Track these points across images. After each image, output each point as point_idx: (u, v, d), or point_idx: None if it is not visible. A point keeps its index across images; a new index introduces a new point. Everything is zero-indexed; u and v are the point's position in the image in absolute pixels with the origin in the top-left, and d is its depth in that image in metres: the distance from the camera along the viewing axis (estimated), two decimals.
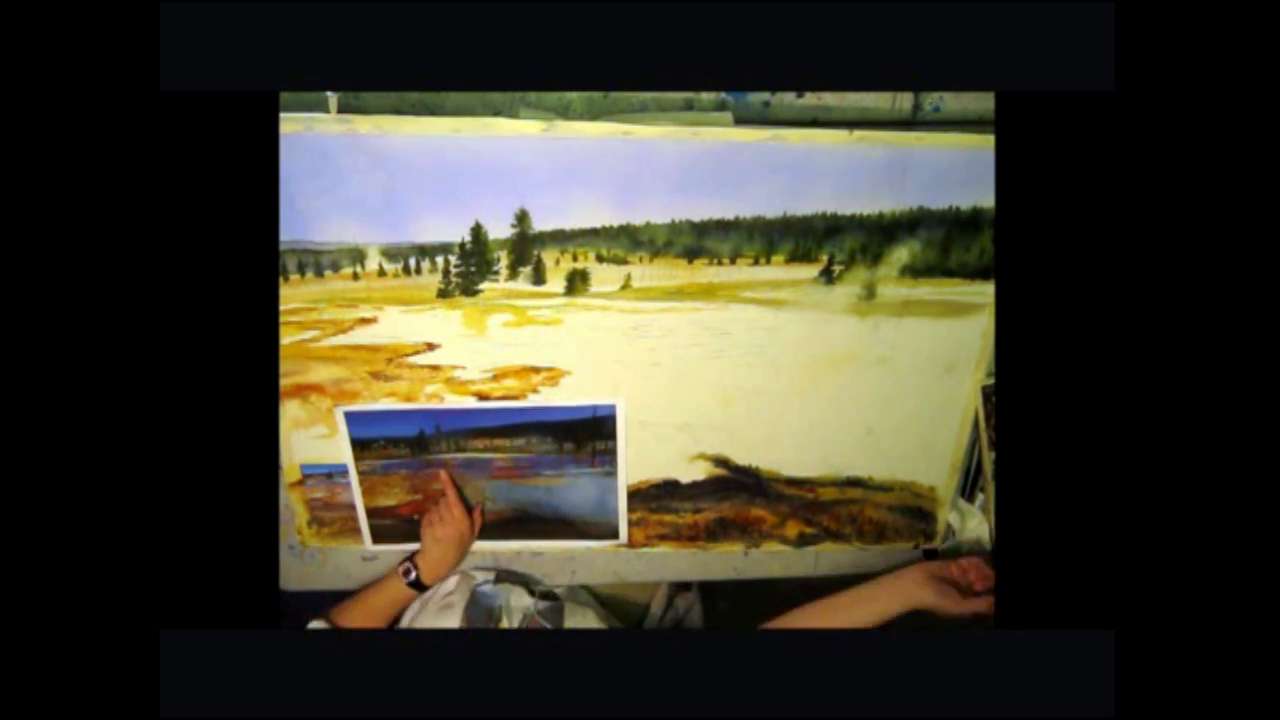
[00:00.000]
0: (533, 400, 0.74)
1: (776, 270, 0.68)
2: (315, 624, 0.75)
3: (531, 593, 0.80)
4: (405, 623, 0.77)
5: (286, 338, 0.69)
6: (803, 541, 0.84)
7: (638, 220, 0.65)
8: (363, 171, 0.61)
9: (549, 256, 0.66)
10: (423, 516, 0.78)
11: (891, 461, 0.80)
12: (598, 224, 0.64)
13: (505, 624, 0.75)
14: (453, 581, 0.78)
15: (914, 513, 0.83)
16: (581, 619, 0.78)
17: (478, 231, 0.65)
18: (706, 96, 0.64)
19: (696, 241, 0.66)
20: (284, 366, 0.71)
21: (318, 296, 0.67)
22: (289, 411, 0.73)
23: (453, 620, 0.73)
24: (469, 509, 0.78)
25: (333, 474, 0.77)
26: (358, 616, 0.76)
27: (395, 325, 0.69)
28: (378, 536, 0.81)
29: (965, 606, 0.69)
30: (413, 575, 0.76)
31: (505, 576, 0.82)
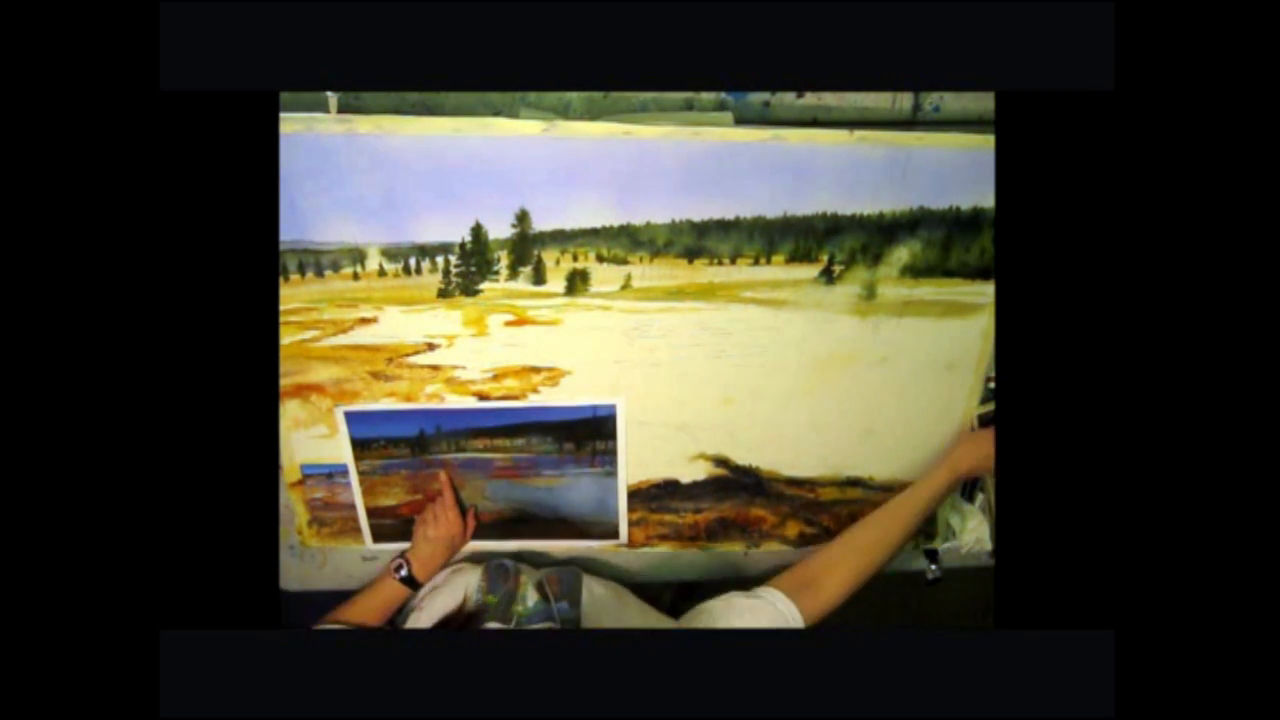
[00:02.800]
0: (533, 400, 0.74)
1: (776, 270, 0.68)
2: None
3: (538, 566, 0.79)
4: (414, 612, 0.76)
5: (286, 338, 0.69)
6: (803, 541, 0.84)
7: (638, 220, 0.65)
8: (363, 171, 0.61)
9: (549, 256, 0.66)
10: (418, 514, 0.79)
11: (891, 461, 0.80)
12: (598, 224, 0.64)
13: (524, 578, 0.74)
14: (443, 575, 0.78)
15: None
16: (589, 593, 0.75)
17: (478, 231, 0.65)
18: (706, 96, 0.64)
19: (696, 241, 0.66)
20: (284, 366, 0.71)
21: (318, 296, 0.67)
22: (289, 411, 0.73)
23: (458, 592, 0.73)
24: (464, 512, 0.78)
25: (333, 474, 0.78)
26: (355, 617, 0.76)
27: (395, 325, 0.69)
28: (378, 536, 0.81)
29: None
30: (404, 571, 0.76)
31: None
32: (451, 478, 0.78)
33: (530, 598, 0.72)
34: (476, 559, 0.81)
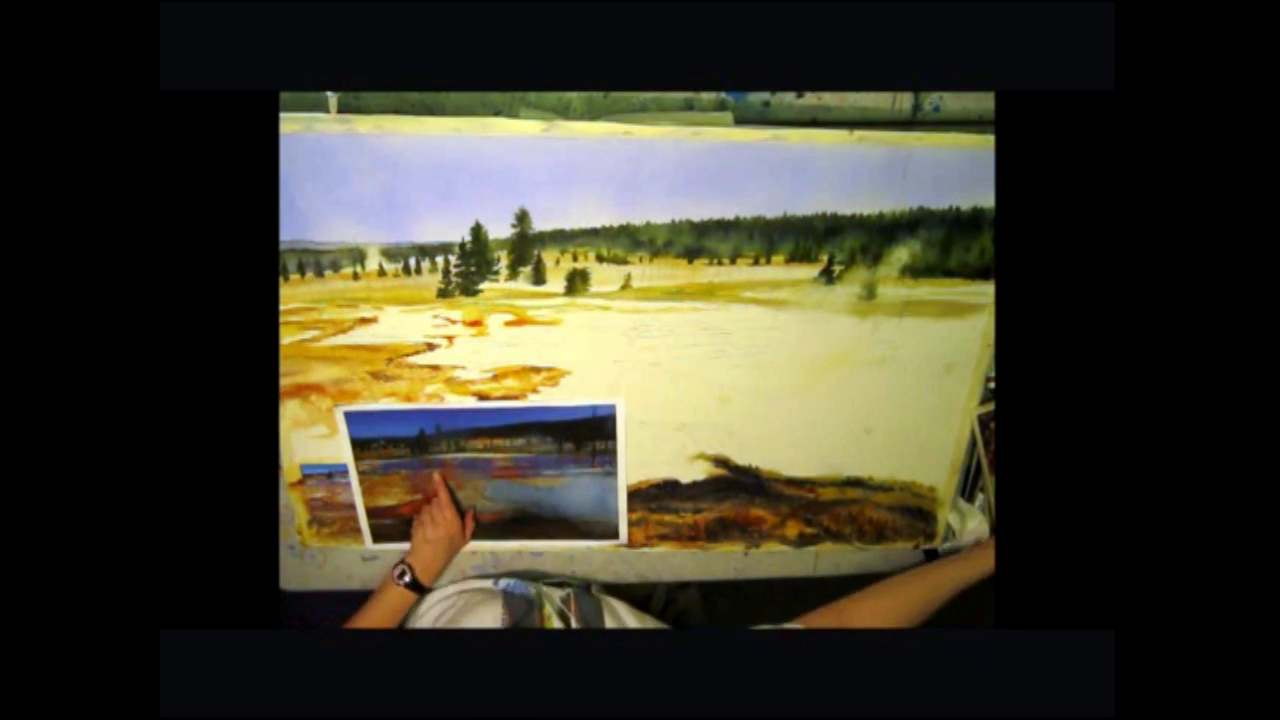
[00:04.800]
0: (533, 400, 0.74)
1: (776, 270, 0.68)
2: None
3: (559, 585, 0.80)
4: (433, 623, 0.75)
5: (286, 338, 0.69)
6: (803, 541, 0.84)
7: (638, 220, 0.65)
8: (363, 171, 0.61)
9: (549, 256, 0.66)
10: (415, 517, 0.78)
11: (891, 461, 0.80)
12: (598, 224, 0.64)
13: (547, 610, 0.74)
14: (453, 597, 0.77)
15: (914, 513, 0.83)
16: (611, 614, 0.76)
17: (478, 231, 0.65)
18: (706, 96, 0.64)
19: (696, 241, 0.66)
20: (284, 366, 0.71)
21: (318, 296, 0.67)
22: (289, 411, 0.73)
23: (492, 617, 0.72)
24: (461, 512, 0.78)
25: (333, 474, 0.78)
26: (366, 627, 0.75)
27: (395, 325, 0.69)
28: (378, 536, 0.81)
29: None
30: (408, 577, 0.75)
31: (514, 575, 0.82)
32: (446, 478, 0.78)
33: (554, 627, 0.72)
34: (488, 576, 0.81)
